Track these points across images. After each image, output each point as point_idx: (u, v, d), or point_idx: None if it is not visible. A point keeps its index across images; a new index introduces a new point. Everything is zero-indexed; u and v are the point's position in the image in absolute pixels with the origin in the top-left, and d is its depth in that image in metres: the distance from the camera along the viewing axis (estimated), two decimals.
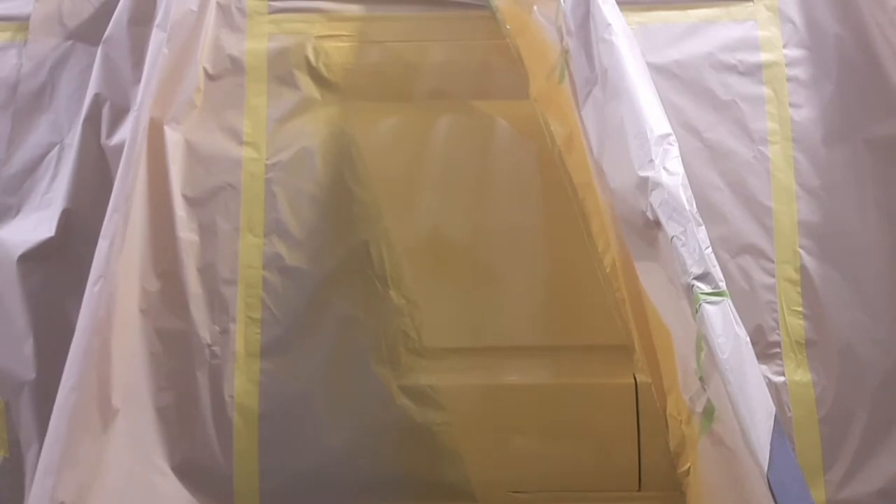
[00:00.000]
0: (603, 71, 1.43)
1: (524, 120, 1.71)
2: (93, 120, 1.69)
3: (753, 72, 1.69)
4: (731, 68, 1.69)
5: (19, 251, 1.64)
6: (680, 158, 1.31)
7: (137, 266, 1.58)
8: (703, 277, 1.21)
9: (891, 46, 1.64)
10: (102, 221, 1.46)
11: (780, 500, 1.08)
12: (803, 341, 1.60)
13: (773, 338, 1.60)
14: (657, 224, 1.28)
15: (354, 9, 1.76)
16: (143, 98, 1.55)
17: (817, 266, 1.62)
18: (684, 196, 1.27)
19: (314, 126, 1.71)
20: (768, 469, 1.10)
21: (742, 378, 1.15)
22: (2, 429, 1.63)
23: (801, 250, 1.63)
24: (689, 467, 1.45)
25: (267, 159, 1.69)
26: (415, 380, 1.63)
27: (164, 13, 1.58)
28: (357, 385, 1.63)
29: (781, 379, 1.59)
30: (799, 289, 1.61)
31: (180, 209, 1.64)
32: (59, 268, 1.64)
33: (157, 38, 1.57)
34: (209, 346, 1.62)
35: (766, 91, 1.68)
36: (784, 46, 1.70)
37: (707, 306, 1.18)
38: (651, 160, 1.30)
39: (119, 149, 1.54)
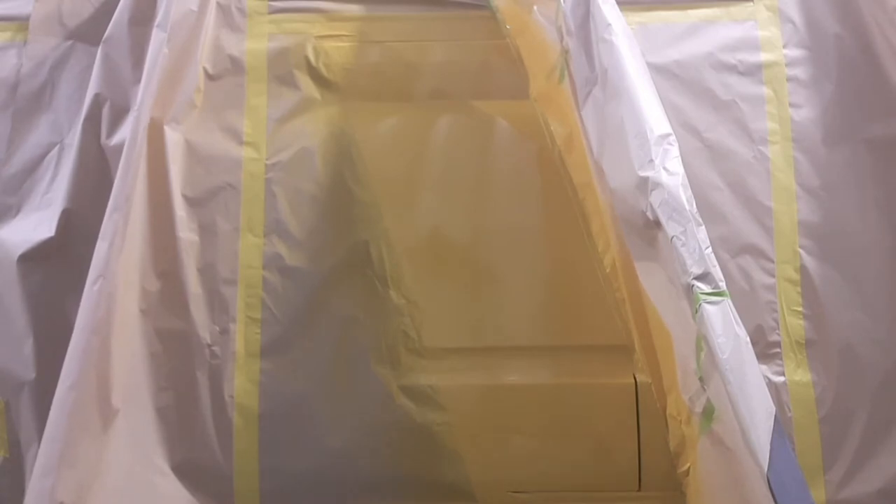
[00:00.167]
0: (603, 71, 1.43)
1: (524, 120, 1.71)
2: (93, 120, 1.69)
3: (753, 72, 1.69)
4: (731, 68, 1.69)
5: (19, 251, 1.64)
6: (680, 158, 1.31)
7: (137, 266, 1.58)
8: (703, 277, 1.21)
9: (891, 46, 1.64)
10: (102, 221, 1.46)
11: (780, 500, 1.08)
12: (803, 341, 1.60)
13: (773, 338, 1.60)
14: (657, 224, 1.28)
15: (354, 9, 1.76)
16: (143, 98, 1.55)
17: (817, 266, 1.62)
18: (684, 196, 1.27)
19: (314, 126, 1.71)
20: (768, 469, 1.10)
21: (742, 378, 1.15)
22: (2, 429, 1.63)
23: (801, 250, 1.63)
24: (689, 467, 1.45)
25: (267, 159, 1.69)
26: (415, 380, 1.63)
27: (165, 13, 1.58)
28: (357, 385, 1.63)
29: (781, 379, 1.59)
30: (799, 289, 1.61)
31: (180, 209, 1.64)
32: (59, 268, 1.64)
33: (157, 38, 1.57)
34: (209, 346, 1.62)
35: (766, 91, 1.68)
36: (784, 46, 1.70)
37: (707, 306, 1.18)
38: (651, 160, 1.30)
39: (119, 149, 1.54)
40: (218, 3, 1.72)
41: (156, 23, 1.59)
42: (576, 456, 1.62)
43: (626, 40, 1.43)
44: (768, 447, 1.11)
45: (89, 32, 1.76)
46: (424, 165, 1.71)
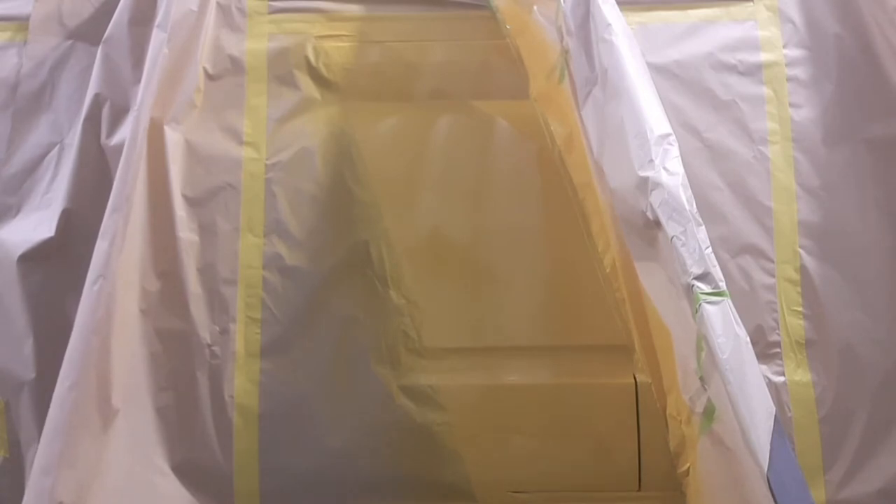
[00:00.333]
0: (603, 71, 1.43)
1: (524, 120, 1.71)
2: (93, 120, 1.69)
3: (753, 72, 1.69)
4: (731, 68, 1.69)
5: (19, 251, 1.64)
6: (680, 158, 1.31)
7: (137, 266, 1.58)
8: (703, 277, 1.21)
9: (891, 46, 1.64)
10: (102, 221, 1.46)
11: (780, 500, 1.08)
12: (803, 341, 1.60)
13: (773, 338, 1.60)
14: (657, 224, 1.28)
15: (354, 9, 1.76)
16: (143, 98, 1.55)
17: (817, 266, 1.62)
18: (684, 196, 1.27)
19: (314, 126, 1.71)
20: (768, 469, 1.10)
21: (742, 378, 1.15)
22: (2, 429, 1.63)
23: (801, 250, 1.63)
24: (689, 467, 1.45)
25: (267, 159, 1.69)
26: (415, 380, 1.63)
27: (165, 13, 1.58)
28: (357, 385, 1.63)
29: (781, 379, 1.59)
30: (799, 289, 1.61)
31: (180, 209, 1.64)
32: (59, 268, 1.64)
33: (157, 38, 1.57)
34: (209, 346, 1.62)
35: (766, 91, 1.68)
36: (784, 46, 1.70)
37: (707, 306, 1.18)
38: (651, 160, 1.30)
39: (119, 149, 1.54)
40: (218, 3, 1.72)
41: (156, 23, 1.59)
42: (576, 456, 1.62)
43: (626, 40, 1.43)
44: (768, 447, 1.11)
45: (89, 32, 1.76)
46: (424, 165, 1.71)
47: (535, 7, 1.63)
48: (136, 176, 1.53)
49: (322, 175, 1.69)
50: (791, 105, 1.68)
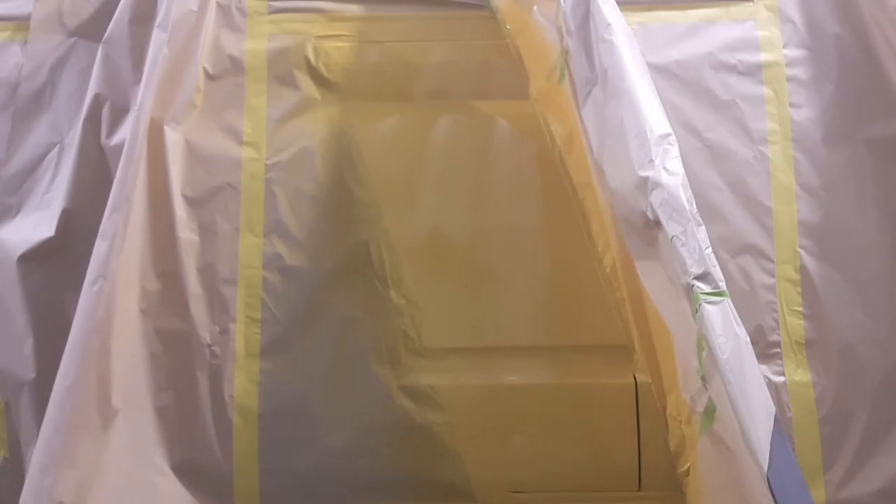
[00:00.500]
0: (603, 71, 1.43)
1: (524, 120, 1.71)
2: (93, 120, 1.69)
3: (753, 72, 1.69)
4: (731, 68, 1.69)
5: (19, 251, 1.64)
6: (680, 158, 1.31)
7: (137, 266, 1.57)
8: (703, 277, 1.21)
9: (891, 46, 1.64)
10: (102, 221, 1.46)
11: (780, 500, 1.08)
12: (803, 341, 1.60)
13: (773, 338, 1.60)
14: (657, 224, 1.28)
15: (354, 9, 1.76)
16: (144, 98, 1.55)
17: (817, 266, 1.62)
18: (684, 196, 1.27)
19: (314, 126, 1.71)
20: (768, 469, 1.10)
21: (742, 378, 1.15)
22: (2, 429, 1.63)
23: (801, 250, 1.63)
24: (689, 467, 1.45)
25: (267, 159, 1.69)
26: (415, 380, 1.63)
27: (165, 13, 1.59)
28: (357, 385, 1.63)
29: (781, 379, 1.59)
30: (799, 289, 1.61)
31: (180, 209, 1.64)
32: (59, 268, 1.64)
33: (157, 38, 1.57)
34: (209, 346, 1.62)
35: (766, 91, 1.68)
36: (784, 46, 1.70)
37: (707, 306, 1.18)
38: (651, 160, 1.30)
39: (119, 149, 1.55)
40: (218, 3, 1.72)
41: (156, 23, 1.59)
42: (576, 456, 1.62)
43: (626, 40, 1.43)
44: (768, 447, 1.11)
45: (90, 32, 1.76)
46: (424, 165, 1.71)
47: (535, 7, 1.63)
48: (136, 176, 1.53)
49: (322, 175, 1.69)
50: (791, 105, 1.68)
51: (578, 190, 1.65)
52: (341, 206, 1.68)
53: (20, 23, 1.79)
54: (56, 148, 1.72)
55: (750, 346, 1.19)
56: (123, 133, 1.62)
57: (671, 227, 1.25)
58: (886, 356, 1.58)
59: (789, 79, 1.69)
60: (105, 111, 1.69)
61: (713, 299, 1.19)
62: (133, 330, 1.56)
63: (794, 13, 1.71)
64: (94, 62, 1.71)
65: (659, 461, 1.57)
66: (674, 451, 1.51)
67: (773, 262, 1.62)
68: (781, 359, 1.60)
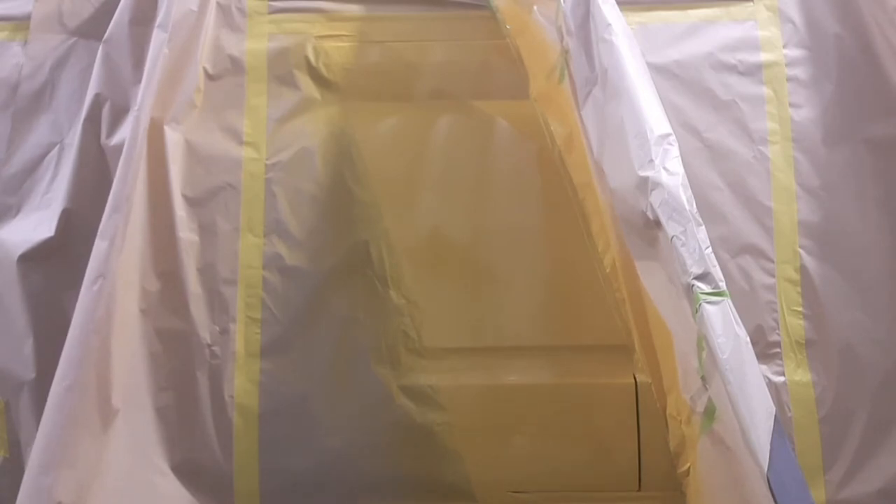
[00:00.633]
0: (603, 71, 1.43)
1: (524, 120, 1.71)
2: (93, 120, 1.69)
3: (753, 72, 1.69)
4: (731, 68, 1.69)
5: (19, 251, 1.64)
6: (680, 158, 1.31)
7: (137, 266, 1.57)
8: (703, 277, 1.21)
9: (891, 46, 1.64)
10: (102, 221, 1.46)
11: (780, 500, 1.08)
12: (803, 341, 1.60)
13: (773, 338, 1.60)
14: (657, 224, 1.28)
15: (354, 9, 1.76)
16: (144, 98, 1.55)
17: (817, 266, 1.62)
18: (684, 196, 1.27)
19: (314, 126, 1.71)
20: (768, 469, 1.10)
21: (742, 378, 1.15)
22: (2, 429, 1.63)
23: (801, 250, 1.63)
24: (689, 467, 1.45)
25: (267, 159, 1.69)
26: (415, 380, 1.63)
27: (165, 13, 1.59)
28: (357, 385, 1.63)
29: (781, 379, 1.59)
30: (799, 289, 1.61)
31: (180, 209, 1.64)
32: (59, 268, 1.64)
33: (157, 38, 1.57)
34: (209, 346, 1.62)
35: (766, 91, 1.68)
36: (784, 46, 1.70)
37: (707, 306, 1.18)
38: (651, 160, 1.30)
39: (119, 149, 1.54)
40: (218, 3, 1.72)
41: (156, 23, 1.59)
42: (576, 456, 1.62)
43: (626, 40, 1.43)
44: (768, 447, 1.11)
45: (90, 32, 1.76)
46: (424, 165, 1.71)
47: (535, 7, 1.63)
48: (136, 176, 1.53)
49: (322, 175, 1.69)
50: (791, 105, 1.68)
51: (578, 190, 1.65)
52: (341, 206, 1.68)
53: (20, 23, 1.79)
54: (56, 148, 1.72)
55: (750, 346, 1.19)
56: (123, 133, 1.62)
57: (671, 227, 1.25)
58: (886, 356, 1.58)
59: (789, 79, 1.69)
60: (105, 111, 1.69)
61: (713, 299, 1.19)
62: (133, 330, 1.56)
63: (794, 13, 1.71)
64: (94, 62, 1.71)
65: (659, 461, 1.57)
66: (674, 451, 1.51)
67: (773, 262, 1.62)
68: (781, 359, 1.60)
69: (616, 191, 1.41)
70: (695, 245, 1.23)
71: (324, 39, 1.74)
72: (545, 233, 1.69)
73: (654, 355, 1.50)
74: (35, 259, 1.64)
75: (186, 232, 1.64)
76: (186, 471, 1.59)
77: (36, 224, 1.67)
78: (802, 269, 1.62)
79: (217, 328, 1.63)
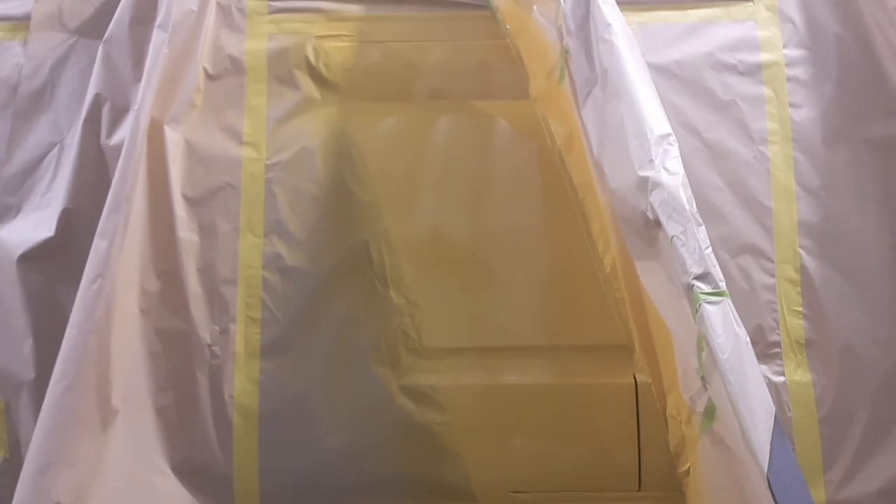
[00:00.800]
0: (603, 71, 1.43)
1: (524, 120, 1.71)
2: (93, 120, 1.69)
3: (753, 72, 1.69)
4: (731, 68, 1.69)
5: (19, 251, 1.64)
6: (680, 158, 1.31)
7: (137, 266, 1.57)
8: (703, 277, 1.21)
9: (891, 46, 1.64)
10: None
11: (780, 500, 1.08)
12: (803, 341, 1.60)
13: (773, 338, 1.60)
14: (657, 224, 1.28)
15: (354, 9, 1.76)
16: (144, 98, 1.55)
17: (817, 266, 1.62)
18: (684, 196, 1.27)
19: (314, 126, 1.71)
20: (768, 469, 1.10)
21: (742, 378, 1.15)
22: (2, 429, 1.63)
23: (801, 250, 1.63)
24: (689, 467, 1.45)
25: (267, 159, 1.69)
26: (415, 380, 1.63)
27: (165, 13, 1.59)
28: (357, 385, 1.63)
29: (781, 379, 1.59)
30: (799, 289, 1.61)
31: (180, 209, 1.64)
32: (58, 267, 1.64)
33: (157, 37, 1.57)
34: (209, 346, 1.62)
35: (766, 91, 1.68)
36: (784, 46, 1.70)
37: (707, 306, 1.18)
38: (651, 160, 1.30)
39: (119, 148, 1.54)
40: (218, 3, 1.72)
41: (156, 23, 1.59)
42: (576, 456, 1.62)
43: (626, 40, 1.43)
44: (768, 447, 1.11)
45: (90, 32, 1.76)
46: (424, 165, 1.71)
47: (535, 7, 1.63)
48: (135, 176, 1.53)
49: (322, 175, 1.69)
50: (791, 105, 1.68)
51: (578, 190, 1.65)
52: (341, 206, 1.68)
53: (20, 22, 1.79)
54: (56, 148, 1.72)
55: (750, 346, 1.19)
56: (123, 133, 1.62)
57: (671, 227, 1.25)
58: (886, 356, 1.58)
59: (789, 79, 1.69)
60: (105, 111, 1.69)
61: (713, 299, 1.19)
62: (133, 330, 1.56)
63: (794, 13, 1.71)
64: (94, 62, 1.71)
65: (659, 461, 1.56)
66: (674, 451, 1.51)
67: (773, 262, 1.62)
68: (781, 359, 1.60)
69: (616, 191, 1.41)
70: (695, 245, 1.23)
71: (324, 39, 1.74)
72: (545, 233, 1.69)
73: (654, 355, 1.50)
74: (35, 259, 1.64)
75: (186, 232, 1.64)
76: (186, 471, 1.59)
77: (36, 224, 1.67)
78: (802, 269, 1.62)
79: (217, 328, 1.63)
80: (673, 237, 1.24)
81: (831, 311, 1.60)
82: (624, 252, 1.48)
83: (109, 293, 1.45)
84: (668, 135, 1.33)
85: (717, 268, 1.22)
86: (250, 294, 1.64)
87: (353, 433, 1.62)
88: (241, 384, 1.62)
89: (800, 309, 1.61)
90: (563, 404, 1.64)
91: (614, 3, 1.48)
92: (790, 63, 1.69)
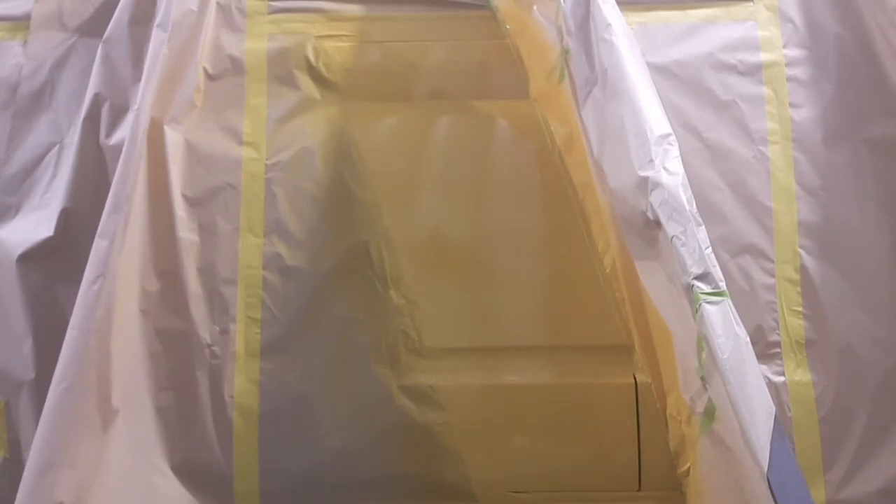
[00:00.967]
0: (603, 71, 1.43)
1: (524, 120, 1.71)
2: (92, 119, 1.69)
3: (753, 72, 1.69)
4: (731, 68, 1.69)
5: (19, 251, 1.64)
6: (680, 158, 1.31)
7: (137, 266, 1.57)
8: (703, 277, 1.21)
9: (891, 46, 1.64)
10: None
11: (780, 500, 1.08)
12: (803, 341, 1.60)
13: (773, 338, 1.60)
14: (657, 224, 1.28)
15: (354, 9, 1.76)
16: (143, 98, 1.55)
17: (817, 266, 1.62)
18: (684, 196, 1.27)
19: (314, 126, 1.71)
20: (768, 469, 1.10)
21: (742, 378, 1.15)
22: (2, 429, 1.63)
23: (801, 250, 1.63)
24: (689, 467, 1.45)
25: (267, 159, 1.69)
26: (415, 380, 1.63)
27: (165, 13, 1.59)
28: (357, 385, 1.63)
29: (781, 379, 1.59)
30: (799, 289, 1.61)
31: (180, 209, 1.64)
32: (58, 267, 1.64)
33: (157, 37, 1.57)
34: (209, 346, 1.62)
35: (766, 91, 1.68)
36: (784, 46, 1.70)
37: (707, 306, 1.18)
38: (651, 160, 1.30)
39: (118, 148, 1.54)
40: (218, 3, 1.72)
41: (156, 22, 1.59)
42: (576, 456, 1.62)
43: (626, 40, 1.43)
44: (768, 447, 1.11)
45: (90, 31, 1.76)
46: (424, 165, 1.71)
47: (535, 7, 1.63)
48: (135, 176, 1.53)
49: (322, 175, 1.69)
50: (791, 105, 1.68)
51: (578, 190, 1.65)
52: (341, 206, 1.68)
53: (20, 22, 1.79)
54: (56, 148, 1.72)
55: (750, 346, 1.19)
56: (123, 133, 1.62)
57: (671, 227, 1.25)
58: (886, 356, 1.58)
59: (789, 79, 1.69)
60: (105, 111, 1.69)
61: (713, 299, 1.19)
62: (133, 330, 1.56)
63: (794, 13, 1.71)
64: (93, 62, 1.71)
65: (659, 461, 1.56)
66: (674, 451, 1.51)
67: (773, 262, 1.62)
68: (781, 359, 1.60)
69: (616, 191, 1.41)
70: (695, 245, 1.23)
71: (324, 39, 1.74)
72: (545, 233, 1.69)
73: (654, 355, 1.50)
74: (34, 259, 1.64)
75: (186, 232, 1.64)
76: (186, 471, 1.59)
77: (35, 223, 1.67)
78: (802, 269, 1.62)
79: (217, 328, 1.63)
80: (673, 237, 1.24)
81: (831, 311, 1.60)
82: (624, 252, 1.48)
83: (110, 293, 1.45)
84: (668, 135, 1.33)
85: (717, 268, 1.22)
86: (250, 294, 1.64)
87: (353, 433, 1.62)
88: (241, 384, 1.62)
89: (800, 309, 1.61)
90: (563, 404, 1.64)
91: (614, 3, 1.48)
92: (790, 63, 1.69)
